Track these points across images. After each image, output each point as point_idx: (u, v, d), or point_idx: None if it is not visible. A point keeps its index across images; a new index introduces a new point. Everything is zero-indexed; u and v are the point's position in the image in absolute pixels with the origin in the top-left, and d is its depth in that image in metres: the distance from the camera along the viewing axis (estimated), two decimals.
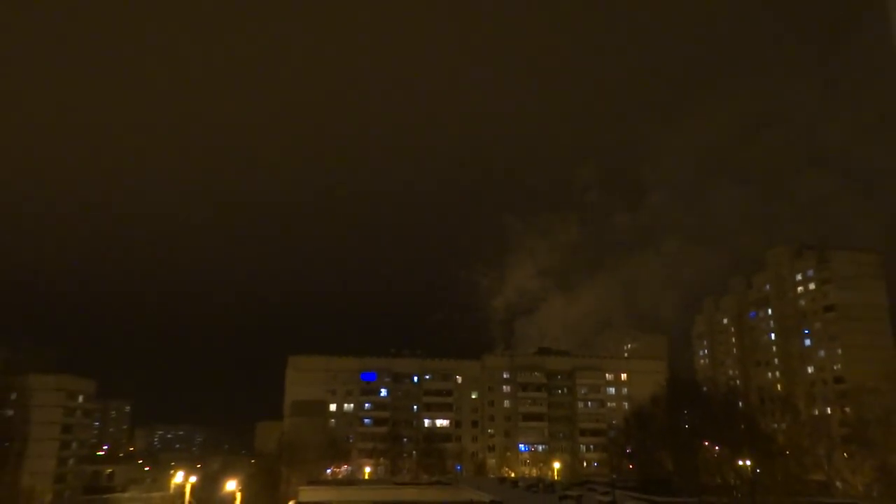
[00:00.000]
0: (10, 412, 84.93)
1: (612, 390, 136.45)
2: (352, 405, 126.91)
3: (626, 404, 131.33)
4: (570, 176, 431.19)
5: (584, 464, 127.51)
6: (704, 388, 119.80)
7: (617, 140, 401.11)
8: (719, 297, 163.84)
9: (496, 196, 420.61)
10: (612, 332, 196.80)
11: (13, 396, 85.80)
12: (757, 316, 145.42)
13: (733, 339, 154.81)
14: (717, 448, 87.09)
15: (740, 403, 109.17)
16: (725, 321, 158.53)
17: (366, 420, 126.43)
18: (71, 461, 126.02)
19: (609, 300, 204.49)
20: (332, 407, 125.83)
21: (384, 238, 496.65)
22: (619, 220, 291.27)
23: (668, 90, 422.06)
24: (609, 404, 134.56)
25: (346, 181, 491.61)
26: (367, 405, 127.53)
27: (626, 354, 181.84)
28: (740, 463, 75.61)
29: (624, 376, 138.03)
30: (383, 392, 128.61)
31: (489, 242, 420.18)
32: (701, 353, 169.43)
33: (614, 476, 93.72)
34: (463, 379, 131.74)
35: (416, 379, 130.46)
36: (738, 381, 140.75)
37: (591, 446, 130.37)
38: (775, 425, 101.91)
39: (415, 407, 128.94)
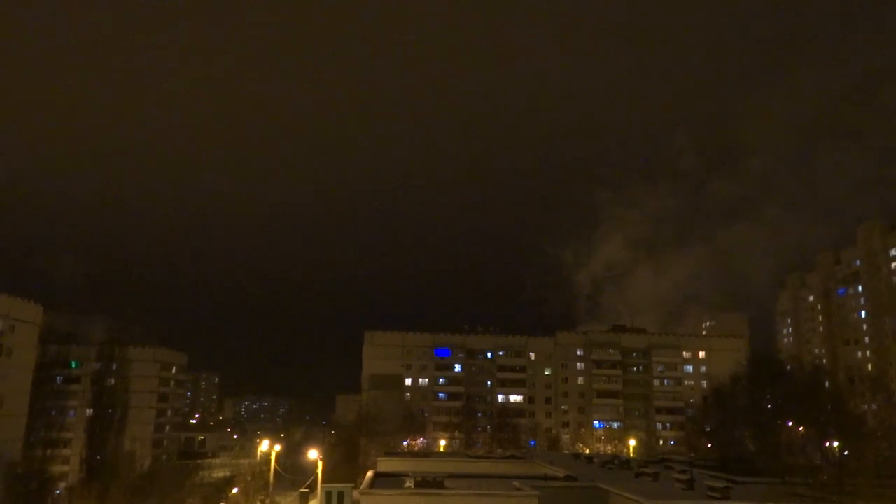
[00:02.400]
0: (112, 381, 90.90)
1: (689, 368, 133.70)
2: (426, 380, 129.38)
3: (704, 383, 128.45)
4: (663, 145, 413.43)
5: (661, 442, 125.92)
6: (788, 367, 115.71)
7: (712, 106, 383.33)
8: (805, 274, 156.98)
9: (584, 169, 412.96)
10: (691, 310, 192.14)
11: (114, 367, 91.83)
12: (846, 293, 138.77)
13: (820, 317, 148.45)
14: (801, 428, 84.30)
15: (827, 383, 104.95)
16: (811, 298, 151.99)
17: (440, 395, 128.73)
18: (167, 428, 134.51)
19: (697, 274, 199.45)
20: (408, 381, 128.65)
21: (463, 216, 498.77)
22: (713, 189, 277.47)
23: (768, 51, 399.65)
24: (686, 382, 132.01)
25: (423, 163, 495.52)
26: (441, 380, 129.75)
27: (704, 332, 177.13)
28: (827, 444, 73.08)
29: (702, 354, 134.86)
30: (457, 367, 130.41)
31: (575, 216, 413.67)
32: (785, 331, 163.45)
33: (692, 454, 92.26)
34: (536, 355, 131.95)
35: (489, 355, 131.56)
36: (824, 360, 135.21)
37: (668, 424, 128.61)
38: (865, 406, 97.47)
39: (489, 382, 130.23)
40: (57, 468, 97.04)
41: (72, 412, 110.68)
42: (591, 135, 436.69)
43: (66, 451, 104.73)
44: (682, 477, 42.24)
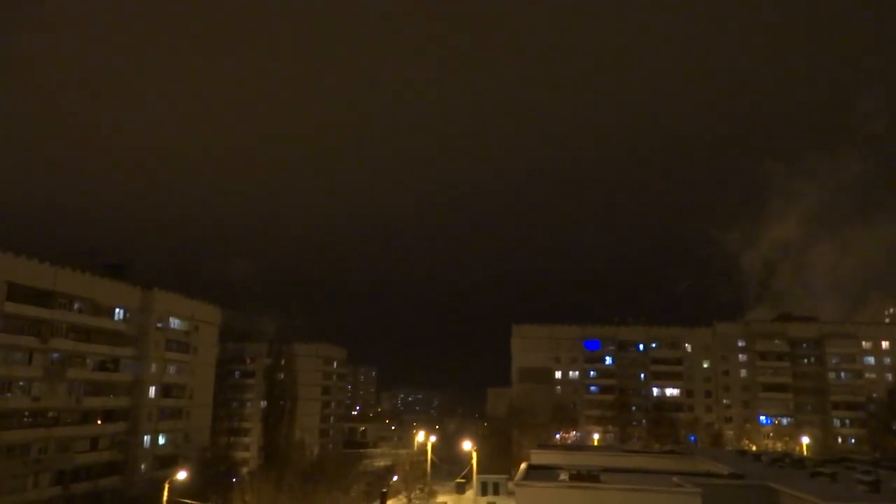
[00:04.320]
0: (282, 375, 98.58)
1: (870, 360, 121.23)
2: (577, 373, 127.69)
3: (889, 376, 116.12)
4: (847, 106, 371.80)
5: (839, 440, 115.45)
6: None
7: None
8: None
9: (750, 141, 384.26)
10: (872, 295, 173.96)
11: (283, 362, 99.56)
12: None
13: None
14: None
15: None
16: None
17: (591, 388, 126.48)
18: (331, 419, 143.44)
19: (885, 253, 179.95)
20: (558, 374, 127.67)
21: (615, 203, 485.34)
22: None
23: None
24: (867, 375, 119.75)
25: (568, 150, 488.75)
26: (591, 373, 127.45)
27: (886, 320, 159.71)
28: None
29: (885, 345, 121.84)
30: (608, 360, 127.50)
31: (742, 194, 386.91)
32: None
33: (877, 454, 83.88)
34: (693, 347, 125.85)
35: (641, 347, 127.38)
36: None
37: (847, 421, 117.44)
38: None
39: (642, 375, 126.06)
40: (239, 454, 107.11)
41: (249, 404, 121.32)
42: (758, 99, 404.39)
43: (245, 439, 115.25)
44: (866, 478, 38.60)
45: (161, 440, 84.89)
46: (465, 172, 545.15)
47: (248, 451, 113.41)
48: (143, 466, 79.99)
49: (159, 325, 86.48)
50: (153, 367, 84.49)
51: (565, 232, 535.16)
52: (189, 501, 51.11)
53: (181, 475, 47.99)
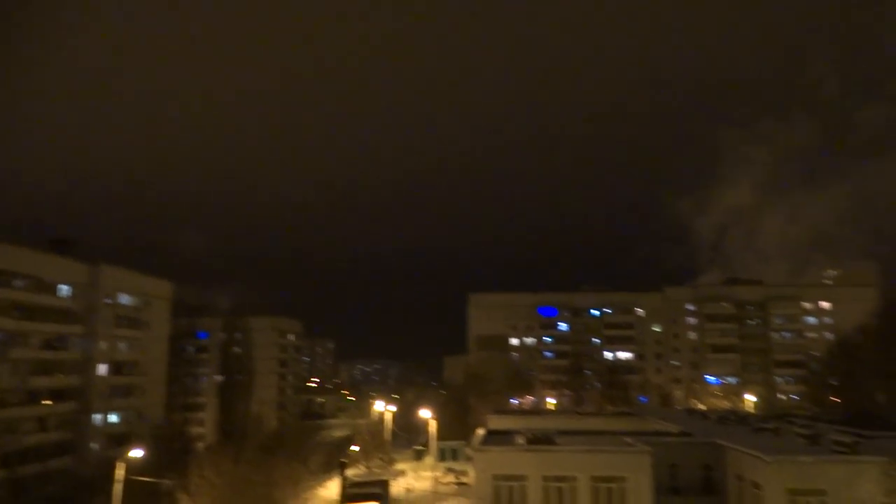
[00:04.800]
0: (237, 349, 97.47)
1: (811, 320, 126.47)
2: (533, 339, 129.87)
3: (828, 335, 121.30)
4: (799, 70, 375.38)
5: (781, 397, 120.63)
6: None
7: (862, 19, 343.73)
8: None
9: (702, 109, 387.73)
10: (815, 259, 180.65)
11: (238, 336, 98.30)
12: None
13: None
14: None
15: None
16: None
17: (547, 353, 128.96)
18: (288, 392, 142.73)
19: (832, 218, 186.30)
20: (514, 341, 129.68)
21: (570, 171, 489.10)
22: (861, 117, 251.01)
23: None
24: (809, 335, 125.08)
25: (525, 119, 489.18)
26: (547, 339, 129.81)
27: (828, 282, 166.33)
28: None
29: (826, 305, 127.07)
30: (563, 326, 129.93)
31: (694, 162, 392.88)
32: None
33: (816, 409, 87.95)
34: (644, 312, 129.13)
35: (595, 312, 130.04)
36: None
37: (789, 379, 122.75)
38: None
39: (596, 340, 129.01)
40: (195, 429, 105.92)
41: (204, 379, 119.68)
42: (711, 68, 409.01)
43: (201, 415, 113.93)
44: (806, 432, 40.54)
45: (113, 418, 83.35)
46: (421, 144, 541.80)
47: (205, 427, 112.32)
48: (95, 446, 78.51)
49: (108, 301, 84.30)
50: (103, 345, 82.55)
51: (520, 201, 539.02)
52: (144, 479, 50.44)
53: (136, 453, 47.18)
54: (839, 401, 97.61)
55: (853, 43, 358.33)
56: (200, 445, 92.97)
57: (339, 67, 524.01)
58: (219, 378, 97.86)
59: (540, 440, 40.63)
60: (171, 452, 78.40)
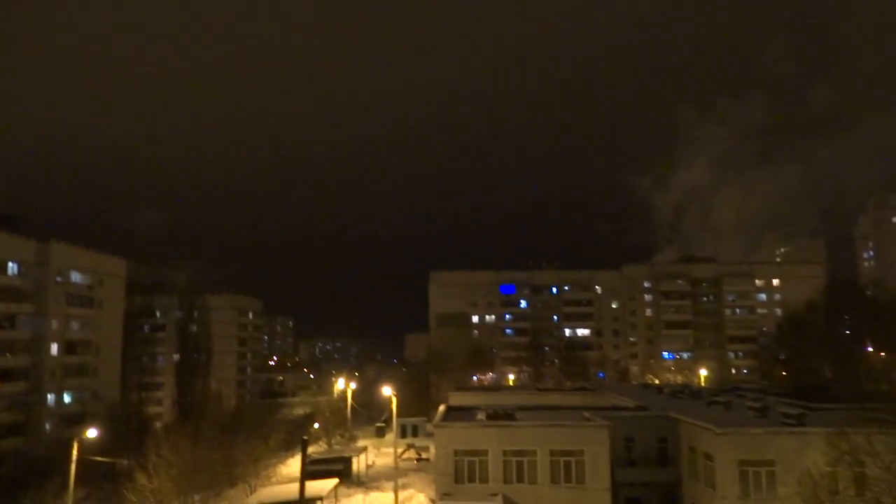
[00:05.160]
0: (195, 328, 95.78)
1: (762, 297, 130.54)
2: (493, 317, 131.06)
3: (778, 311, 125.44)
4: (757, 50, 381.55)
5: (733, 371, 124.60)
6: (869, 292, 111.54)
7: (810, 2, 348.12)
8: (887, 194, 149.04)
9: (661, 89, 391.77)
10: (766, 236, 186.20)
11: (196, 314, 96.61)
12: None
13: None
14: (882, 354, 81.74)
15: None
16: (895, 219, 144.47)
17: (507, 330, 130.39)
18: (248, 370, 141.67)
19: (785, 196, 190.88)
20: (475, 319, 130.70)
21: (529, 148, 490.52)
22: (816, 97, 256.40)
23: None
24: (760, 311, 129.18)
25: (483, 95, 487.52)
26: (507, 316, 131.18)
27: (778, 259, 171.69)
28: None
29: (776, 282, 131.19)
30: (523, 303, 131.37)
31: (652, 141, 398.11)
32: (865, 254, 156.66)
33: (766, 383, 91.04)
34: (602, 289, 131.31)
35: (554, 290, 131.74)
36: None
37: (741, 354, 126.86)
38: None
39: (555, 317, 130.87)
40: (152, 409, 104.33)
41: (160, 358, 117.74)
42: (669, 47, 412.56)
43: (158, 394, 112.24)
44: (756, 405, 41.93)
45: (66, 398, 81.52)
46: (381, 119, 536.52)
47: (162, 406, 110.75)
48: (47, 426, 76.81)
49: (59, 279, 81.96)
50: (54, 324, 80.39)
51: (481, 178, 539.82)
52: (100, 459, 49.62)
53: (91, 433, 46.31)
54: (788, 374, 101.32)
55: (806, 23, 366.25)
56: (158, 425, 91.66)
57: (296, 35, 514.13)
58: (176, 357, 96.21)
59: (500, 416, 41.22)
60: (128, 432, 77.20)
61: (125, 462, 65.42)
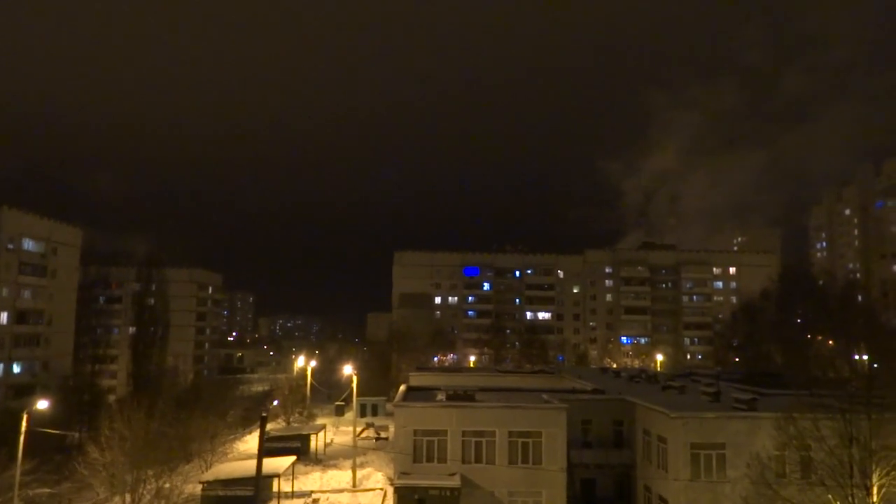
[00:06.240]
0: (152, 301, 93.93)
1: (719, 284, 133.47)
2: (456, 298, 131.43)
3: (734, 298, 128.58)
4: (729, 37, 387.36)
5: (689, 356, 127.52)
6: (820, 282, 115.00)
7: None
8: (841, 188, 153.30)
9: (630, 73, 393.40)
10: (725, 225, 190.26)
11: (153, 287, 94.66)
12: (885, 206, 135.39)
13: (856, 231, 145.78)
14: (831, 342, 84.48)
15: (859, 297, 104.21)
16: (848, 212, 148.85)
17: (469, 312, 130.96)
18: (206, 345, 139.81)
19: (749, 183, 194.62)
20: (438, 300, 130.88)
21: (500, 130, 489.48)
22: (784, 86, 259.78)
23: None
24: (716, 298, 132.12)
25: (452, 77, 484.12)
26: (470, 298, 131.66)
27: (735, 248, 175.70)
28: (856, 357, 73.18)
29: (732, 270, 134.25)
30: (486, 286, 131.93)
31: (619, 126, 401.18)
32: (818, 245, 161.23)
33: (719, 368, 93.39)
34: (565, 273, 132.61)
35: (517, 273, 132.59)
36: (858, 275, 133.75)
37: (696, 340, 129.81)
38: None
39: (517, 300, 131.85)
40: (106, 382, 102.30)
41: (115, 330, 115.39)
42: (640, 33, 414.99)
43: (113, 367, 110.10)
44: (709, 389, 42.94)
45: (16, 369, 79.50)
46: (349, 96, 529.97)
47: (116, 379, 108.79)
48: None
49: (10, 246, 79.57)
50: (4, 292, 78.17)
51: (447, 160, 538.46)
52: (50, 430, 48.49)
53: (41, 404, 45.12)
54: (741, 360, 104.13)
55: (778, 12, 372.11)
56: (112, 398, 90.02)
57: (258, 8, 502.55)
58: (132, 330, 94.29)
59: (460, 396, 41.45)
60: (80, 404, 75.71)
61: (76, 435, 64.14)
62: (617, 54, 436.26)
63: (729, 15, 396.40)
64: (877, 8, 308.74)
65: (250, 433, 67.02)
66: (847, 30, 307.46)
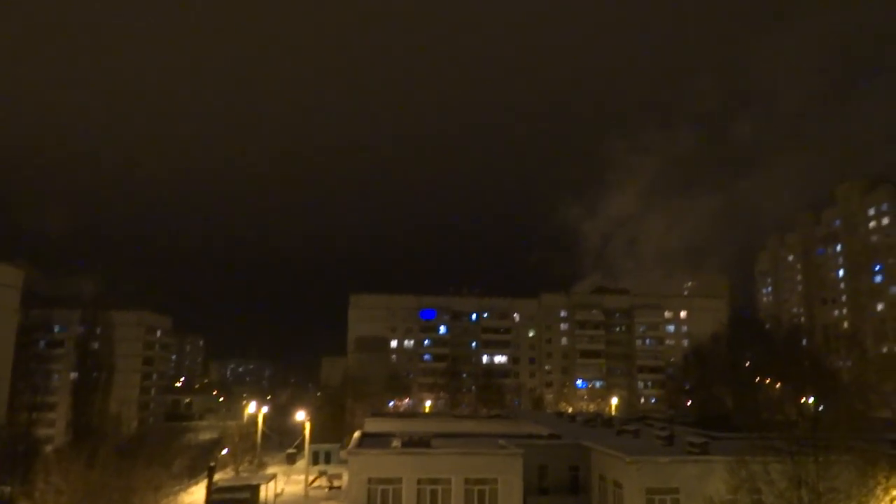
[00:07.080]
0: (97, 345, 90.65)
1: (671, 328, 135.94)
2: (412, 342, 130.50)
3: (685, 342, 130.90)
4: (683, 87, 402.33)
5: (642, 400, 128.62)
6: (767, 326, 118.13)
7: (735, 45, 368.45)
8: (784, 234, 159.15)
9: (584, 116, 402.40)
10: (675, 270, 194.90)
11: (98, 331, 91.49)
12: (825, 252, 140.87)
13: (799, 277, 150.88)
14: (779, 385, 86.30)
15: (804, 341, 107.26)
16: (791, 258, 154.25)
17: (426, 356, 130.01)
18: (153, 391, 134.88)
19: (701, 229, 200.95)
20: (394, 343, 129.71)
21: (456, 174, 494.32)
22: (736, 133, 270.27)
23: None
24: (668, 342, 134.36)
25: (408, 120, 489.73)
26: (426, 342, 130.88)
27: (685, 293, 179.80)
28: (803, 400, 74.75)
29: (683, 314, 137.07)
30: (442, 329, 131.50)
31: (578, 170, 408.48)
32: (764, 290, 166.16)
33: (672, 412, 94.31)
34: (521, 317, 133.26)
35: (474, 317, 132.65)
36: (802, 319, 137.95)
37: (649, 383, 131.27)
38: (840, 363, 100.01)
39: (473, 344, 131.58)
40: (43, 431, 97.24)
41: (56, 376, 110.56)
42: (598, 78, 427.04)
43: (51, 415, 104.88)
44: (662, 434, 43.27)
45: None
46: (302, 135, 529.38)
47: (55, 428, 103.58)
48: None
49: None
50: None
51: (404, 202, 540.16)
52: None
53: None
54: (692, 403, 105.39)
55: (730, 62, 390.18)
56: (48, 448, 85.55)
57: (224, 49, 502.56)
58: (74, 375, 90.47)
59: (416, 443, 40.77)
60: (14, 456, 71.65)
61: (7, 489, 60.63)
62: (575, 99, 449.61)
63: (681, 65, 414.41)
64: (820, 65, 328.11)
65: (197, 484, 64.37)
66: (790, 83, 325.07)
